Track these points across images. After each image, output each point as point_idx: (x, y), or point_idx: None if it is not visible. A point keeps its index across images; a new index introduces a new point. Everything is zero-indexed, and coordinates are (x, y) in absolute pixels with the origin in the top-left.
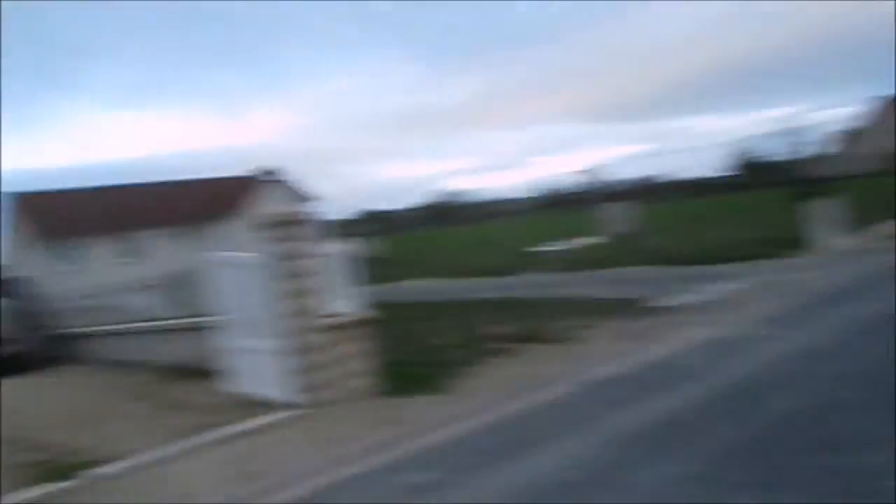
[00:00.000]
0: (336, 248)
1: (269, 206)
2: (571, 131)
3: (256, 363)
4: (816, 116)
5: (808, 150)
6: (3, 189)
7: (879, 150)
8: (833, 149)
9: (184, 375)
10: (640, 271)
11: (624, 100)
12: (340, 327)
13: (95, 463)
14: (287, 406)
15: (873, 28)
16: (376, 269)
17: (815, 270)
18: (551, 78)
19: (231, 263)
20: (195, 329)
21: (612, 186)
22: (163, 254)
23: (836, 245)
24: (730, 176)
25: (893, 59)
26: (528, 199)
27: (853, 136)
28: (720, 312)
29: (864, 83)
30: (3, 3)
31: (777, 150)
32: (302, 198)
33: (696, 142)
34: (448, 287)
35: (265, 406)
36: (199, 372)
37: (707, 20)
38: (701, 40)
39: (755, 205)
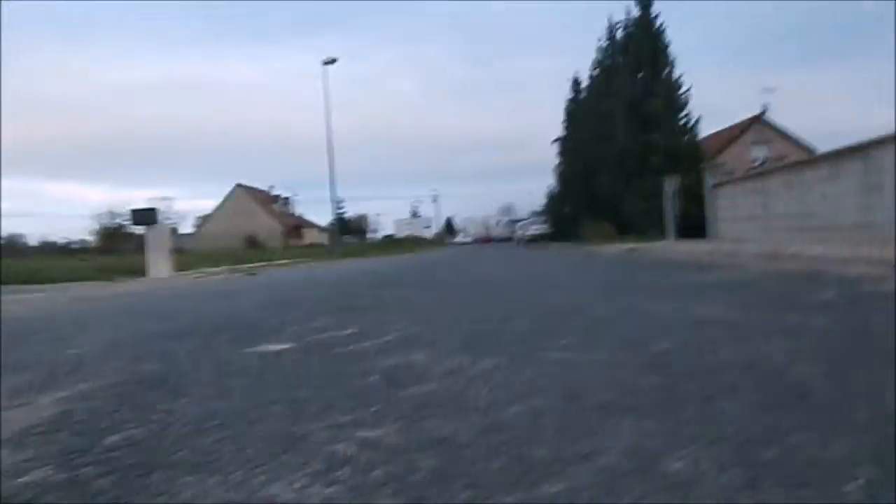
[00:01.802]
0: None
1: None
2: None
3: None
4: (186, 203)
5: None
6: None
7: (226, 230)
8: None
9: None
10: None
11: None
12: None
13: None
14: None
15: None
16: None
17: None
18: None
19: None
20: None
21: None
22: None
23: (159, 274)
24: (93, 240)
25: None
26: None
27: (208, 218)
28: None
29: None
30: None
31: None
32: None
33: (58, 207)
34: None
35: None
36: None
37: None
38: (90, 110)
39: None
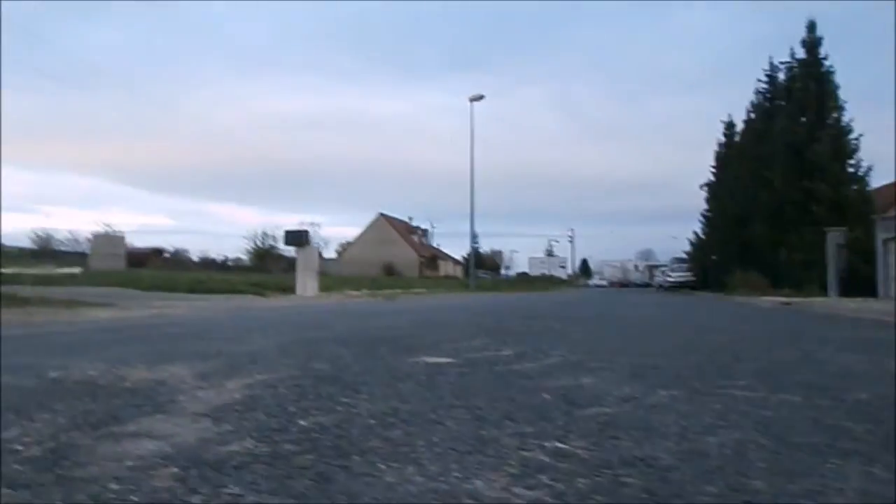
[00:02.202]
0: None
1: None
2: (91, 185)
3: None
4: (330, 229)
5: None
6: None
7: (366, 256)
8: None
9: None
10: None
11: (157, 169)
12: None
13: None
14: None
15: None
16: None
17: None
18: (85, 123)
19: None
20: None
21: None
22: None
23: (306, 293)
24: (247, 259)
25: None
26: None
27: (350, 245)
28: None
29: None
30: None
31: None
32: None
33: (216, 226)
34: None
35: None
36: None
37: (258, 121)
38: (248, 137)
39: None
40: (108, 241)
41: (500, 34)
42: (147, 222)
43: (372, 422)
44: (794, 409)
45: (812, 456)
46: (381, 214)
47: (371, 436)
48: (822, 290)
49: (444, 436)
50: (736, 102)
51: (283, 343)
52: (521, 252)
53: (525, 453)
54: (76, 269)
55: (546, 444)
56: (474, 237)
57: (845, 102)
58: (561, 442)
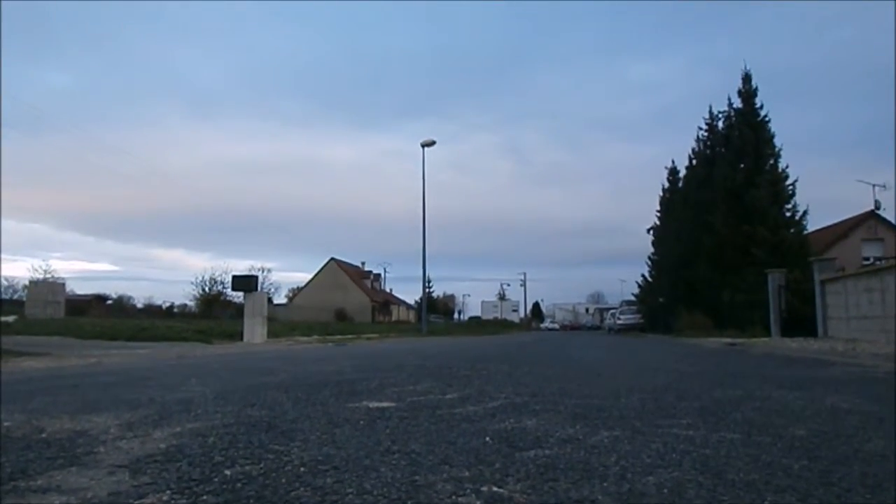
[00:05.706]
0: None
1: None
2: (33, 231)
3: None
4: (281, 274)
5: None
6: None
7: (317, 302)
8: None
9: None
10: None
11: (104, 215)
12: None
13: None
14: None
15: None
16: None
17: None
18: (29, 168)
19: None
20: None
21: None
22: None
23: (254, 339)
24: (193, 305)
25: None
26: None
27: (301, 290)
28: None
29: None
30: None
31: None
32: None
33: (165, 272)
34: None
35: None
36: None
37: (216, 165)
38: (199, 182)
39: (217, 325)
40: (47, 288)
41: (453, 81)
42: (92, 268)
43: (302, 469)
44: (733, 447)
45: (749, 493)
46: (333, 259)
47: (299, 484)
48: (765, 331)
49: (377, 483)
50: (680, 149)
51: (221, 390)
52: (474, 296)
53: (459, 499)
54: (10, 318)
55: (483, 488)
56: (427, 282)
57: (780, 150)
58: (498, 486)
